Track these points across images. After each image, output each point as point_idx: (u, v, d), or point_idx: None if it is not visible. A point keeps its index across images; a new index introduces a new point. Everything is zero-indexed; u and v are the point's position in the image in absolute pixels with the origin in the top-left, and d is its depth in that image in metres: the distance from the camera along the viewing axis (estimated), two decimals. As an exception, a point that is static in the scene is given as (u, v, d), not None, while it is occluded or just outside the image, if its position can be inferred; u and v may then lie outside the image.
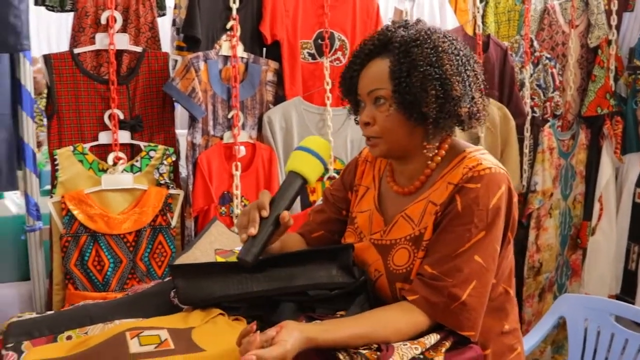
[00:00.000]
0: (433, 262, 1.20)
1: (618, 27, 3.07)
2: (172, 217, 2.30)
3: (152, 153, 2.29)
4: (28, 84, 2.15)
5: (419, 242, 1.25)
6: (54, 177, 2.19)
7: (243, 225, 1.21)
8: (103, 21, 2.21)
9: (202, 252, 1.66)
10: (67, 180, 2.19)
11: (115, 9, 2.21)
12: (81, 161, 2.20)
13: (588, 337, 2.29)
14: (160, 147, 2.30)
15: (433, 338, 1.16)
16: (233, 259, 1.52)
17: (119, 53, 2.25)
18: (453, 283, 1.17)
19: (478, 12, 2.85)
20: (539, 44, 3.00)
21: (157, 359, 1.06)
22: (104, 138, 2.24)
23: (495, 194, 1.19)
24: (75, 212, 2.15)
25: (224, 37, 2.35)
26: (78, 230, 2.16)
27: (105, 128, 2.24)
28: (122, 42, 2.24)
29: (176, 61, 2.34)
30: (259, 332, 1.02)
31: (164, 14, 2.45)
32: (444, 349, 1.15)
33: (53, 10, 2.25)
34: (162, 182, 2.30)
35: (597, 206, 3.17)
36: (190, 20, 2.30)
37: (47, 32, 4.35)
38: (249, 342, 1.00)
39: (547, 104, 3.01)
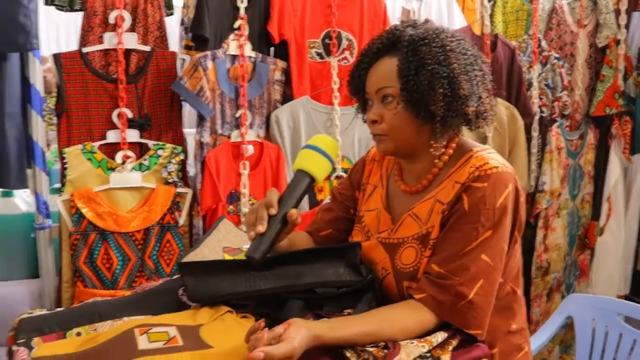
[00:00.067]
0: (440, 261, 1.20)
1: (627, 27, 3.06)
2: (180, 216, 2.31)
3: (160, 152, 2.30)
4: (38, 83, 2.17)
5: (426, 241, 1.25)
6: (63, 176, 2.21)
7: (251, 223, 1.21)
8: (112, 20, 2.22)
9: (210, 250, 1.67)
10: (76, 178, 2.20)
11: (124, 8, 2.23)
12: (90, 160, 2.22)
13: (596, 337, 2.28)
14: (169, 145, 2.31)
15: (440, 336, 1.16)
16: (241, 256, 1.52)
17: (128, 52, 2.26)
18: (460, 282, 1.17)
19: (486, 11, 2.85)
20: (547, 43, 2.99)
21: (166, 356, 1.06)
22: (112, 137, 2.25)
23: (502, 193, 1.19)
24: (84, 210, 2.16)
25: (231, 36, 2.36)
26: (87, 228, 2.17)
27: (113, 127, 2.26)
28: (131, 41, 2.25)
29: (184, 60, 2.36)
30: (266, 329, 1.03)
31: (171, 14, 2.46)
32: (450, 347, 1.15)
33: (62, 10, 2.26)
34: (170, 180, 2.31)
35: (605, 206, 3.15)
36: (199, 20, 2.31)
37: (56, 32, 4.36)
38: (256, 339, 1.01)
39: (555, 103, 3.00)
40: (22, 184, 2.22)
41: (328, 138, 1.31)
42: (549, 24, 3.02)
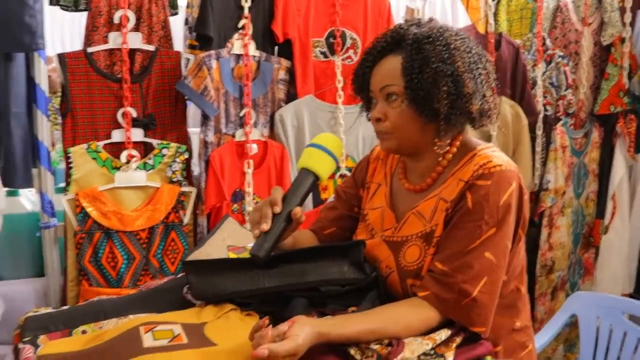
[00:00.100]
0: (444, 259, 1.20)
1: (632, 25, 3.05)
2: (184, 215, 2.32)
3: (164, 151, 2.30)
4: (43, 82, 2.18)
5: (429, 239, 1.25)
6: (68, 175, 2.22)
7: (255, 221, 1.22)
8: (116, 20, 2.23)
9: (214, 248, 1.67)
10: (81, 177, 2.21)
11: (128, 8, 2.23)
12: (95, 159, 2.22)
13: (600, 335, 2.28)
14: (173, 145, 2.32)
15: (444, 334, 1.16)
16: (245, 255, 1.53)
17: (132, 52, 2.27)
18: (464, 279, 1.17)
19: (490, 10, 2.84)
20: (551, 42, 2.98)
21: (171, 353, 1.07)
22: (117, 136, 2.26)
23: (505, 190, 1.20)
24: (89, 209, 2.17)
25: (236, 35, 2.37)
26: (92, 227, 2.18)
27: (118, 126, 2.26)
28: (135, 41, 2.25)
29: (188, 60, 2.36)
30: (271, 326, 1.03)
31: (176, 13, 2.47)
32: (454, 345, 1.15)
33: (67, 10, 2.27)
34: (175, 179, 2.31)
35: (610, 204, 3.15)
36: (203, 19, 2.31)
37: (61, 32, 4.39)
38: (261, 337, 1.01)
39: (560, 102, 3.00)
40: (28, 183, 2.23)
41: (332, 136, 1.32)
42: (554, 22, 3.02)
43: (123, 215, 2.21)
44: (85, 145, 2.21)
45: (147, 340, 1.11)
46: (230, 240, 1.71)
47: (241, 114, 2.41)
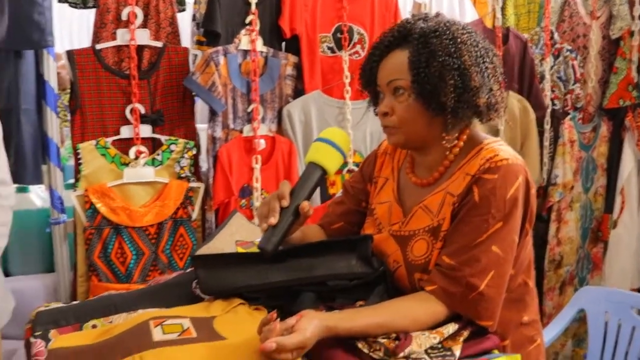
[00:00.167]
0: (451, 253, 1.21)
1: (641, 18, 3.04)
2: (193, 210, 2.33)
3: (173, 147, 2.31)
4: (52, 79, 2.19)
5: (437, 233, 1.25)
6: (77, 171, 2.23)
7: (263, 215, 1.22)
8: (124, 17, 2.24)
9: (223, 243, 1.68)
10: (90, 173, 2.22)
11: (136, 4, 2.24)
12: (104, 155, 2.24)
13: (608, 330, 2.28)
14: (181, 140, 2.32)
15: (451, 328, 1.16)
16: (254, 250, 1.53)
17: (140, 48, 2.28)
18: (471, 273, 1.17)
19: (497, 4, 2.83)
20: (559, 35, 2.97)
21: (180, 347, 1.07)
22: (125, 132, 2.27)
23: (512, 184, 1.20)
24: (98, 205, 2.18)
25: (243, 31, 2.37)
26: (101, 222, 2.20)
27: (127, 122, 2.27)
28: (143, 37, 2.26)
29: (196, 56, 2.37)
30: (279, 320, 1.04)
31: (183, 10, 2.47)
32: (462, 339, 1.15)
33: (76, 7, 2.29)
34: (183, 175, 2.32)
35: (618, 199, 3.13)
36: (210, 15, 2.32)
37: (70, 29, 4.41)
38: (269, 330, 1.02)
39: (568, 96, 2.99)
40: (38, 180, 2.24)
41: (340, 131, 1.32)
42: (562, 16, 3.01)
43: (132, 211, 2.23)
44: (94, 142, 2.22)
45: (157, 334, 1.12)
46: (239, 235, 1.72)
47: (249, 110, 2.41)
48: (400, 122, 1.27)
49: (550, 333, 2.31)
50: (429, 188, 1.32)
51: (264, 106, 2.45)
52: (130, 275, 2.23)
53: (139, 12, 2.25)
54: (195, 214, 2.34)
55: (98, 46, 2.23)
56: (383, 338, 1.11)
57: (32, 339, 1.19)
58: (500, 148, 1.26)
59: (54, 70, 2.21)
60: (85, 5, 2.27)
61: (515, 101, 2.77)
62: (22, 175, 2.17)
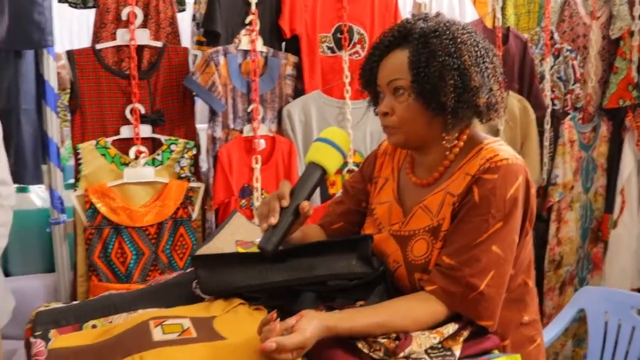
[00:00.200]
0: (451, 253, 1.21)
1: (641, 18, 3.04)
2: (193, 210, 2.33)
3: (173, 147, 2.31)
4: (52, 79, 2.19)
5: (437, 233, 1.25)
6: (77, 171, 2.23)
7: (263, 215, 1.22)
8: (124, 17, 2.24)
9: (223, 243, 1.68)
10: (90, 173, 2.22)
11: (136, 4, 2.24)
12: (104, 155, 2.24)
13: (608, 330, 2.27)
14: (181, 140, 2.32)
15: (451, 327, 1.16)
16: (254, 250, 1.53)
17: (140, 48, 2.28)
18: (471, 273, 1.17)
19: (497, 4, 2.83)
20: (559, 35, 2.97)
21: (180, 347, 1.07)
22: (125, 132, 2.27)
23: (512, 184, 1.20)
24: (98, 205, 2.18)
25: (243, 31, 2.37)
26: (101, 222, 2.20)
27: (127, 122, 2.27)
28: (143, 37, 2.26)
29: (196, 56, 2.37)
30: (279, 320, 1.04)
31: (183, 10, 2.47)
32: (462, 339, 1.15)
33: (76, 7, 2.28)
34: (183, 175, 2.32)
35: (619, 199, 3.13)
36: (210, 15, 2.32)
37: (70, 29, 4.41)
38: (269, 330, 1.02)
39: (568, 96, 2.99)
40: (38, 180, 2.24)
41: (340, 131, 1.32)
42: (562, 16, 3.01)
43: (132, 211, 2.23)
44: (94, 142, 2.22)
45: (157, 334, 1.11)
46: (239, 235, 1.72)
47: (249, 110, 2.41)
48: (400, 122, 1.27)
49: (550, 333, 2.31)
50: (429, 188, 1.32)
51: (264, 106, 2.45)
52: (130, 275, 2.23)
53: (139, 12, 2.25)
54: (195, 214, 2.34)
55: (98, 46, 2.23)
56: (383, 338, 1.11)
57: (32, 339, 1.19)
58: (500, 148, 1.26)
59: (54, 70, 2.21)
60: (85, 5, 2.27)
61: (515, 101, 2.77)
62: (22, 175, 2.17)
